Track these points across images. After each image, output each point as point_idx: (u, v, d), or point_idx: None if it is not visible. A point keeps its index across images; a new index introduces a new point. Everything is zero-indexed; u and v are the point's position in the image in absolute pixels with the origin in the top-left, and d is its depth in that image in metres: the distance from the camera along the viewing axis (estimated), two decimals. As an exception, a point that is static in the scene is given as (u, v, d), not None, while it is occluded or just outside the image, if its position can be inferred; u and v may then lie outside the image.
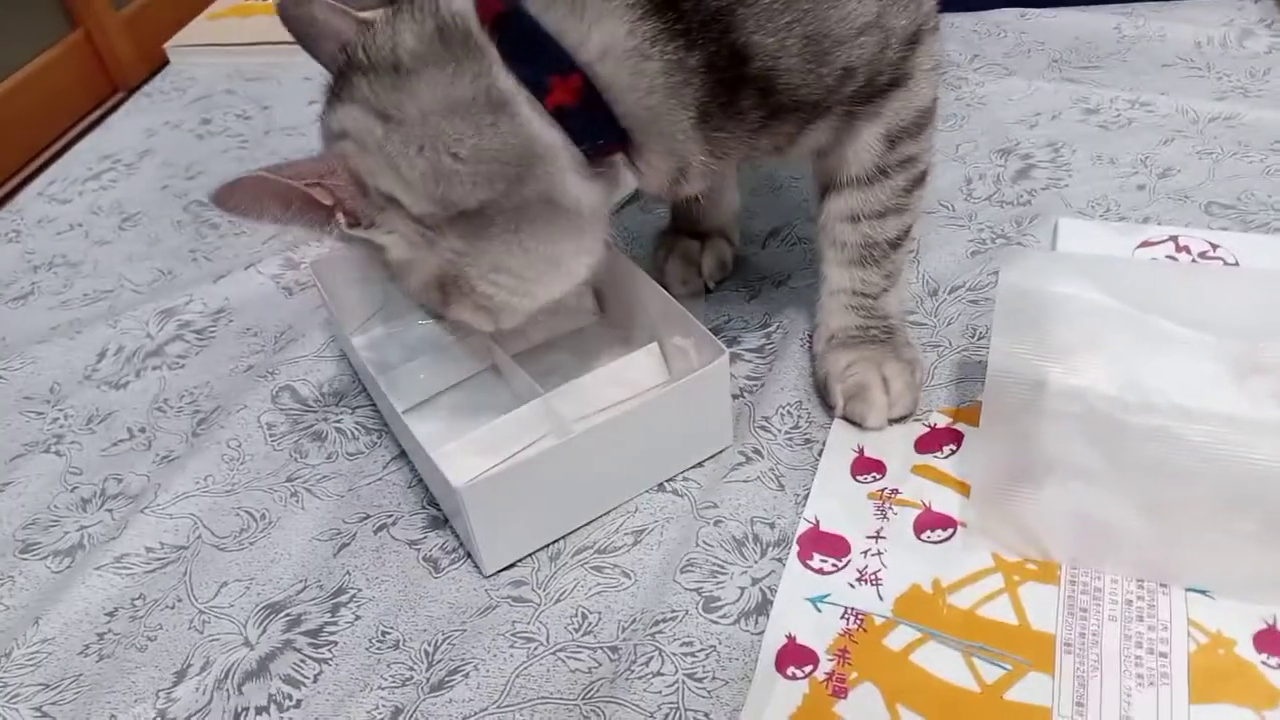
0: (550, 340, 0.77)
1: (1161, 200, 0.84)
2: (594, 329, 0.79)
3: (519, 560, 0.64)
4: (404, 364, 0.75)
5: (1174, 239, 0.69)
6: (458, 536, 0.66)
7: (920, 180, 0.69)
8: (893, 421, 0.69)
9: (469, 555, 0.65)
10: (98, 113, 1.33)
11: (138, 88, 1.38)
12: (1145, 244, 0.69)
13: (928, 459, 0.66)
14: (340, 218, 0.57)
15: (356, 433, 0.75)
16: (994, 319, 0.62)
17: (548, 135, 0.55)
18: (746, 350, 0.77)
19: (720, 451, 0.69)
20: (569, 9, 0.53)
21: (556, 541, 0.65)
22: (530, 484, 0.62)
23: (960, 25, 1.11)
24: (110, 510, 0.72)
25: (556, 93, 0.54)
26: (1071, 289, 0.62)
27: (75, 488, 0.74)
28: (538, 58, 0.54)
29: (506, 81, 0.54)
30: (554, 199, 0.57)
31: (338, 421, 0.76)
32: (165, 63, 1.41)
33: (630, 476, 0.66)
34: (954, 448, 0.67)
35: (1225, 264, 0.67)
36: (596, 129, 0.56)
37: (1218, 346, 0.59)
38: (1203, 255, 0.68)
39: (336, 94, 0.58)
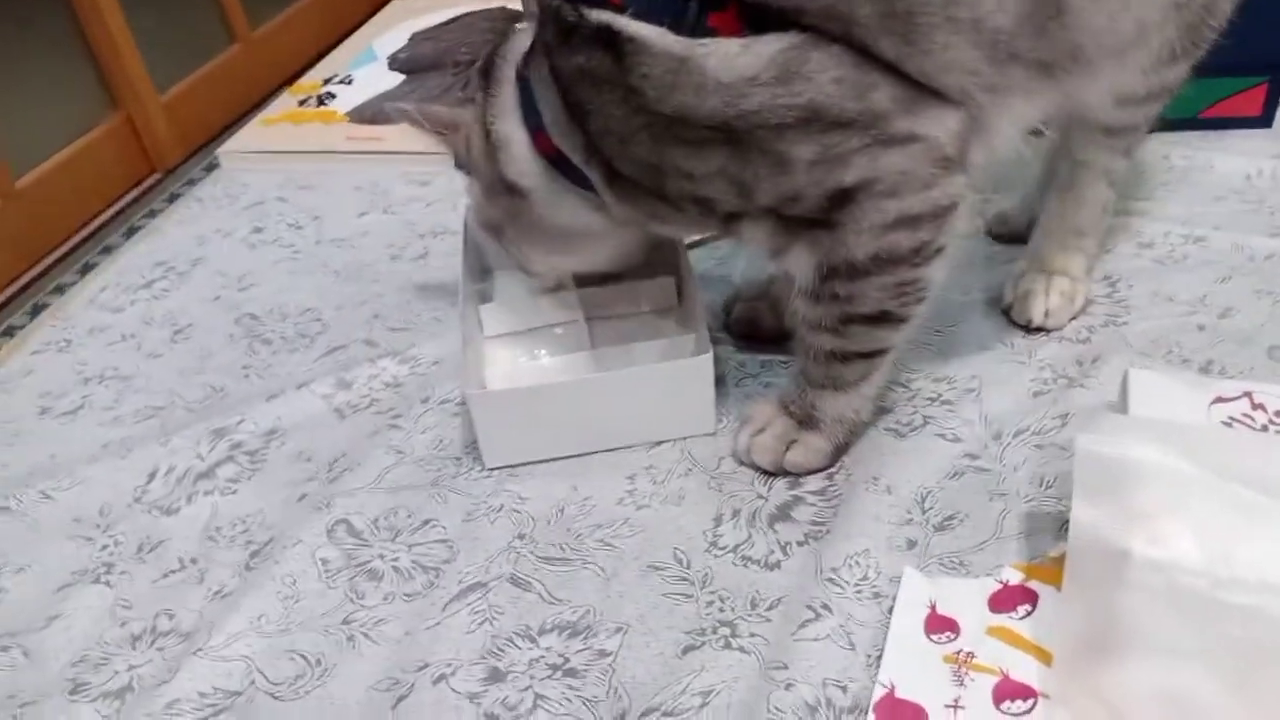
0: (627, 315, 0.94)
1: (1224, 343, 0.83)
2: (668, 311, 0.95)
3: (519, 465, 0.79)
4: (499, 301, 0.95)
5: (1248, 395, 0.68)
6: (519, 691, 0.64)
7: (861, 320, 0.70)
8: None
9: (532, 710, 0.63)
10: (135, 192, 1.37)
11: (173, 170, 1.41)
12: (1219, 400, 0.68)
13: (1003, 619, 0.65)
14: (453, 158, 0.81)
15: (414, 572, 0.74)
16: (1074, 484, 0.61)
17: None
18: (809, 493, 0.76)
19: (702, 435, 0.81)
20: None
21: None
22: (530, 408, 0.79)
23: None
24: (161, 649, 0.71)
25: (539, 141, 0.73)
26: (1151, 454, 0.61)
27: (125, 622, 0.73)
28: (530, 116, 0.73)
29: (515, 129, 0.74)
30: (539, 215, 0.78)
31: (394, 560, 0.75)
32: (203, 145, 1.44)
33: (617, 427, 0.81)
34: (1029, 608, 0.65)
35: (1304, 425, 0.65)
36: (565, 169, 0.73)
37: (1307, 520, 0.57)
38: (1278, 414, 0.67)
39: (467, 91, 0.78)
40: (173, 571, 0.77)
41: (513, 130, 0.74)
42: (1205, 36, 0.75)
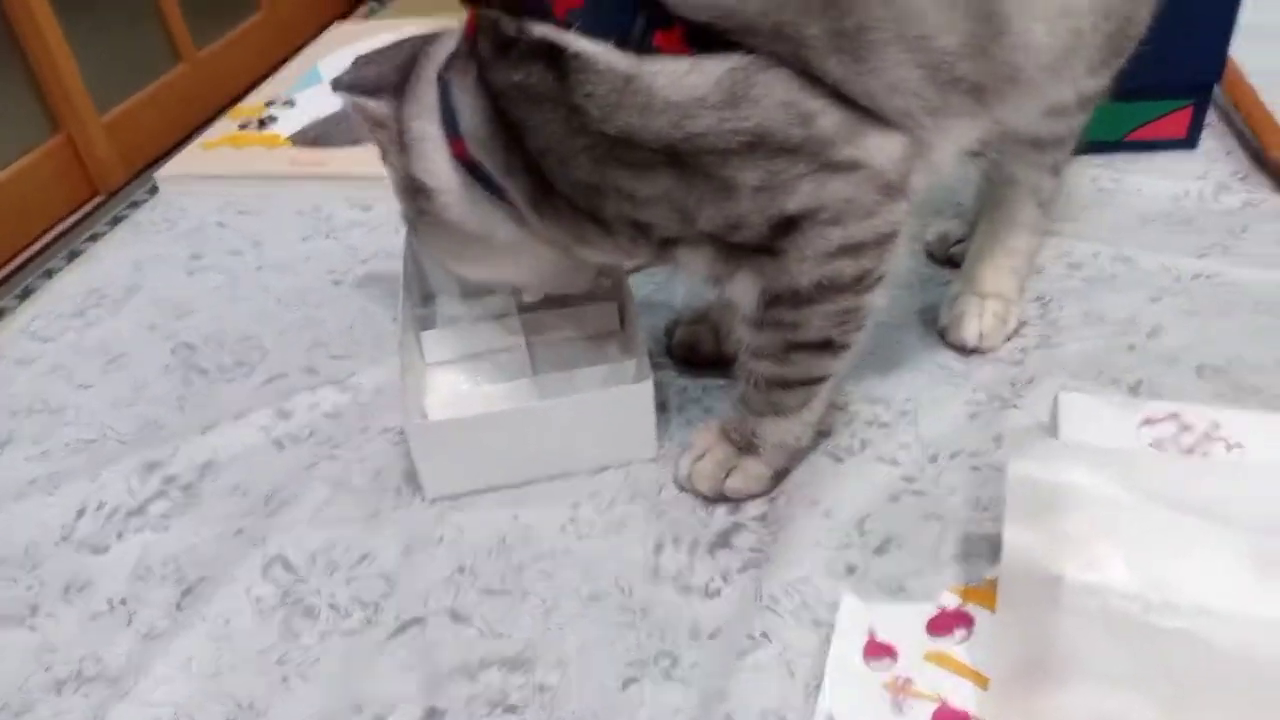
0: (569, 339, 0.94)
1: (1153, 363, 0.85)
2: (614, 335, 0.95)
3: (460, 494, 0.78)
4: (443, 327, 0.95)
5: (1176, 416, 0.70)
6: (457, 729, 0.63)
7: (804, 348, 0.70)
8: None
9: (469, 750, 0.62)
10: (76, 215, 1.34)
11: (116, 192, 1.38)
12: (1148, 421, 0.69)
13: (941, 644, 0.65)
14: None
15: (351, 607, 0.72)
16: (1005, 509, 0.62)
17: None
18: (750, 519, 0.76)
19: (644, 461, 0.81)
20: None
21: (561, 735, 0.63)
22: (469, 438, 0.78)
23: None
24: (86, 695, 0.69)
25: (455, 147, 0.72)
26: (1081, 478, 0.62)
27: (50, 667, 0.71)
28: (448, 120, 0.71)
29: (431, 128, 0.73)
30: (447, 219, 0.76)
31: (331, 596, 0.73)
32: (145, 168, 1.42)
33: (558, 455, 0.80)
34: (966, 632, 0.66)
35: (1229, 445, 0.67)
36: (481, 178, 0.72)
37: (1235, 541, 0.59)
38: (1206, 435, 0.68)
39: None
40: (101, 613, 0.75)
41: (427, 129, 0.72)
42: (1125, 47, 0.77)
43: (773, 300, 0.68)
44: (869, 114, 0.63)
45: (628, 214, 0.68)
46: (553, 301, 0.93)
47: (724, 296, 0.73)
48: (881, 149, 0.64)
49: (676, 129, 0.62)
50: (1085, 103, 0.79)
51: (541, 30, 0.62)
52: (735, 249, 0.67)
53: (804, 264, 0.66)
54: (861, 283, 0.67)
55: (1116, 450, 0.66)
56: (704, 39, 0.61)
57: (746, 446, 0.76)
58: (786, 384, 0.73)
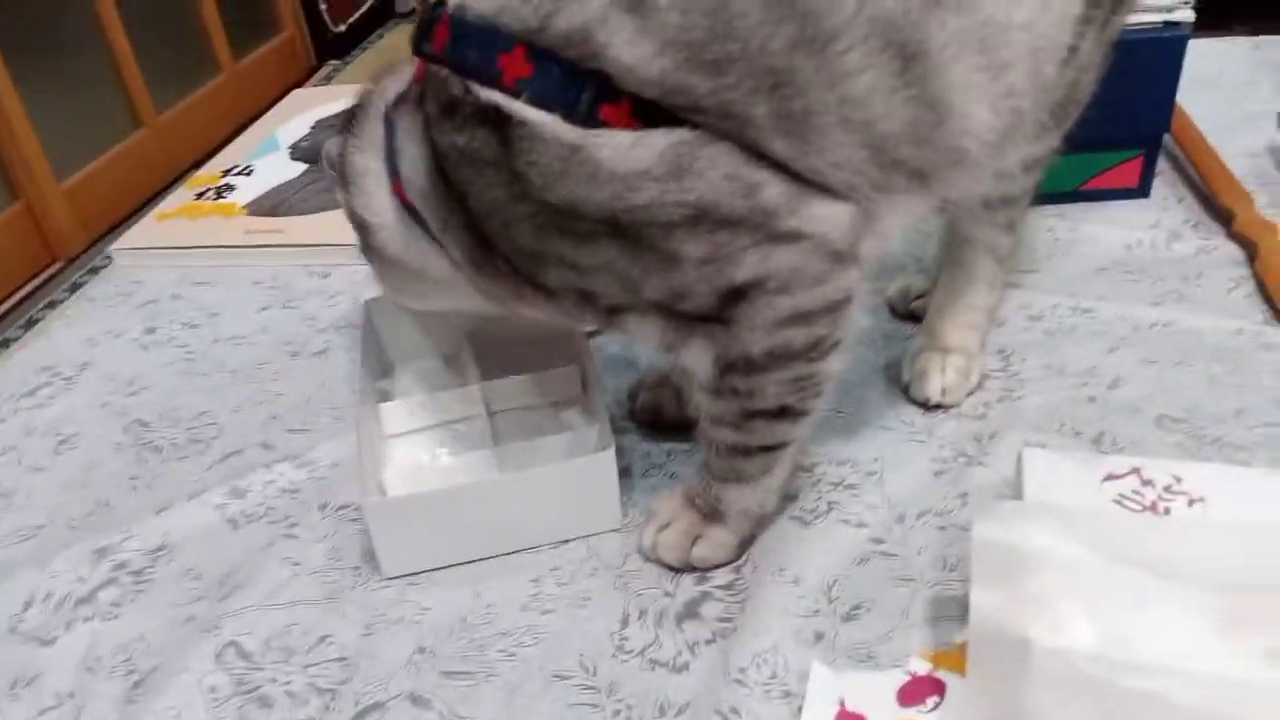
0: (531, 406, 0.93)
1: (1114, 414, 0.85)
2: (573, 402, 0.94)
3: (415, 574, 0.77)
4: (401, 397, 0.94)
5: (1137, 471, 0.69)
6: (418, 823, 0.61)
7: (761, 416, 0.70)
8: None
9: (431, 846, 0.60)
10: (35, 282, 1.32)
11: (75, 259, 1.36)
12: (1110, 477, 0.69)
13: (912, 713, 0.64)
14: None
15: (308, 695, 0.70)
16: (971, 572, 0.62)
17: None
18: (716, 587, 0.75)
19: (608, 531, 0.80)
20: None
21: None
22: (428, 514, 0.77)
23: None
24: (30, 800, 0.66)
25: (396, 186, 0.72)
26: (1044, 539, 0.62)
27: (-8, 771, 0.68)
28: (391, 159, 0.72)
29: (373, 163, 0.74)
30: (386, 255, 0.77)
31: (287, 684, 0.71)
32: (105, 233, 1.41)
33: (521, 529, 0.79)
34: (938, 699, 0.65)
35: (1191, 500, 0.67)
36: (420, 221, 0.71)
37: (1199, 600, 0.58)
38: (1167, 490, 0.68)
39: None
40: (48, 709, 0.72)
41: (370, 164, 0.73)
42: (1071, 112, 0.78)
43: (727, 368, 0.68)
44: (813, 184, 0.63)
45: (572, 283, 0.67)
46: (513, 367, 0.92)
47: (678, 364, 0.72)
48: (826, 218, 0.64)
49: (619, 200, 0.62)
50: (1033, 165, 0.81)
51: (488, 95, 0.62)
52: (684, 318, 0.67)
53: (754, 333, 0.66)
54: (816, 350, 0.67)
55: (1079, 509, 0.66)
56: (651, 114, 0.61)
57: (711, 514, 0.75)
58: (748, 451, 0.73)
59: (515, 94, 0.62)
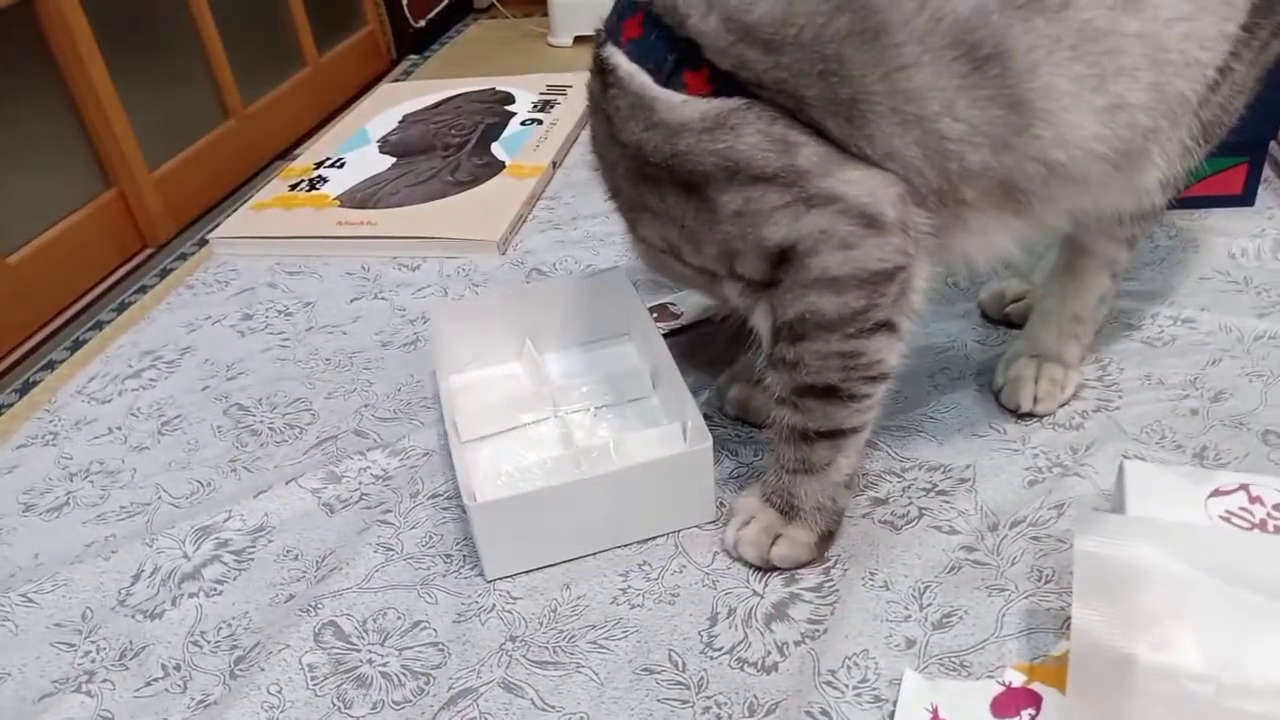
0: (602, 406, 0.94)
1: (1218, 428, 0.83)
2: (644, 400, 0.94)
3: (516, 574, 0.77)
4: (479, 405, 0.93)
5: (1245, 488, 0.68)
6: (511, 808, 0.62)
7: (810, 393, 0.71)
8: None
9: (524, 831, 0.61)
10: (126, 268, 1.37)
11: (165, 245, 1.41)
12: (1217, 493, 0.68)
13: (1006, 724, 0.63)
14: None
15: (403, 677, 0.72)
16: (1074, 587, 0.61)
17: None
18: (805, 589, 0.75)
19: (694, 527, 0.80)
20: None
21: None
22: (530, 514, 0.76)
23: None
24: (142, 765, 0.68)
25: None
26: (1151, 556, 0.61)
27: (106, 736, 0.71)
28: None
29: None
30: None
31: (383, 665, 0.73)
32: (195, 220, 1.46)
33: (619, 525, 0.79)
34: (1033, 712, 0.64)
35: (1303, 519, 0.65)
36: None
37: (1311, 623, 0.57)
38: (1276, 508, 0.66)
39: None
40: (155, 679, 0.75)
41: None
42: (1219, 135, 0.75)
43: (775, 335, 0.71)
44: (853, 154, 0.65)
45: (657, 232, 0.74)
46: (578, 368, 0.96)
47: (753, 328, 0.75)
48: (858, 181, 0.65)
49: (668, 145, 0.68)
50: (1170, 185, 0.77)
51: (610, 50, 0.71)
52: (749, 284, 0.71)
53: (789, 295, 0.68)
54: (850, 323, 0.67)
55: (1185, 526, 0.64)
56: (725, 83, 0.66)
57: (787, 510, 0.75)
58: (807, 435, 0.73)
59: (625, 51, 0.70)
